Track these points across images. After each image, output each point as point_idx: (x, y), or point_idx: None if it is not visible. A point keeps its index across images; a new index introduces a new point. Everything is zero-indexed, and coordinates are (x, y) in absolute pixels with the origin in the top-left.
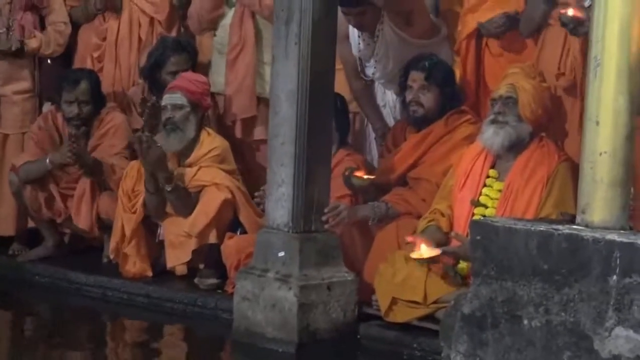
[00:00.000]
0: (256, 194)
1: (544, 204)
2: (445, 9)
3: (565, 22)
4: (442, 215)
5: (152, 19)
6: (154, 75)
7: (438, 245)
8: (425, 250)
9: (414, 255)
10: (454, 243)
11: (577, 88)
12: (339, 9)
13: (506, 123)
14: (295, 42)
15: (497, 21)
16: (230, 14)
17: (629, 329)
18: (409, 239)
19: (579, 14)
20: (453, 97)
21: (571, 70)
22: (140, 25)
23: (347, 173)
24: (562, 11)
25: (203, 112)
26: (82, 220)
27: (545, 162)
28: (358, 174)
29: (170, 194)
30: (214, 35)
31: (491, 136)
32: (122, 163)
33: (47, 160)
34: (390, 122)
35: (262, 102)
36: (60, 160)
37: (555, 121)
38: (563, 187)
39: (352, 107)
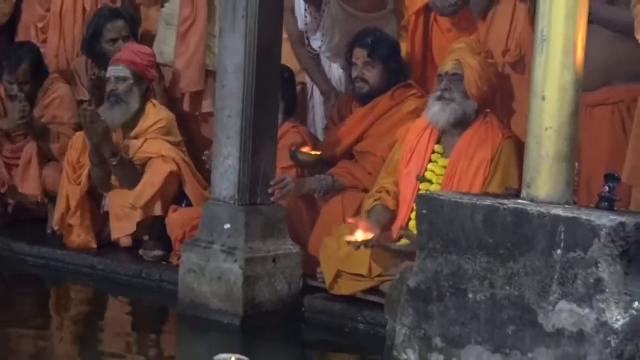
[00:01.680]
0: (205, 152)
1: (489, 183)
2: None
3: None
4: (388, 193)
5: None
6: (94, 47)
7: (383, 227)
8: (359, 235)
9: (349, 238)
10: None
11: (524, 64)
12: None
13: (452, 100)
14: (242, 15)
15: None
16: None
17: (572, 302)
18: (350, 220)
19: None
20: (398, 72)
21: (516, 46)
22: None
23: (293, 148)
24: None
25: (147, 84)
26: (29, 187)
27: (490, 139)
28: (304, 149)
29: (115, 167)
30: (162, 6)
31: (437, 112)
32: (68, 132)
33: None
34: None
35: (210, 75)
36: (10, 125)
37: (501, 98)
38: (507, 164)
39: (297, 78)
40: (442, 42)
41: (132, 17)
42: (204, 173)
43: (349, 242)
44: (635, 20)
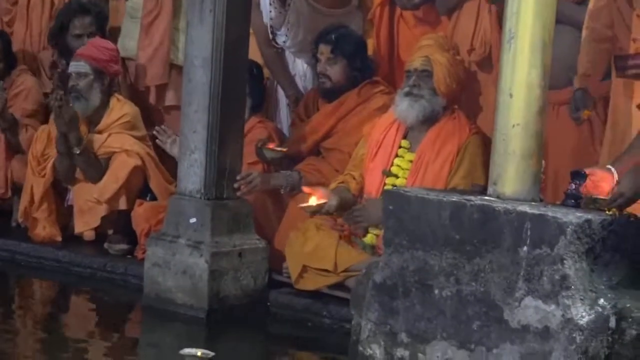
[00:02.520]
0: (156, 128)
1: (453, 175)
2: None
3: None
4: (354, 178)
5: None
6: (60, 40)
7: (345, 203)
8: (313, 200)
9: (303, 205)
10: None
11: (491, 62)
12: None
13: (421, 96)
14: (210, 9)
15: None
16: None
17: (538, 299)
18: (305, 189)
19: None
20: (363, 68)
21: (482, 44)
22: None
23: (259, 145)
24: None
25: (110, 79)
26: None
27: (456, 134)
28: (270, 145)
29: (79, 157)
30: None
31: (406, 109)
32: (34, 124)
33: None
34: (302, 91)
35: (175, 68)
36: None
37: (468, 95)
38: (473, 159)
39: (264, 73)
40: (408, 38)
41: (100, 13)
42: (169, 167)
43: (302, 208)
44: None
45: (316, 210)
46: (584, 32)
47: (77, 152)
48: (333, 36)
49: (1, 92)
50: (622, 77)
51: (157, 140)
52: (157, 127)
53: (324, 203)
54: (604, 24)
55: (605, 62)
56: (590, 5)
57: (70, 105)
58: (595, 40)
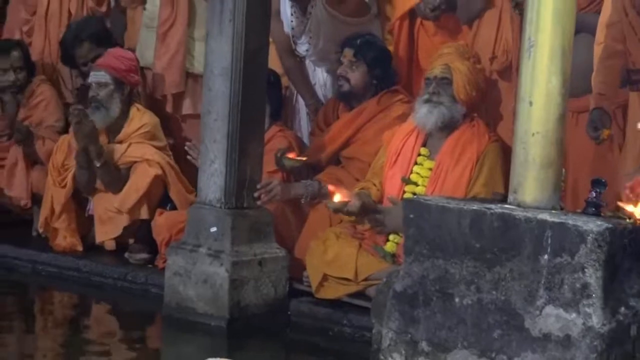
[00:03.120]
0: (187, 143)
1: (473, 184)
2: None
3: (518, 2)
4: (374, 185)
5: None
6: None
7: (368, 207)
8: (337, 197)
9: (328, 203)
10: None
11: (511, 71)
12: None
13: (441, 103)
14: (229, 19)
15: (433, 2)
16: None
17: (559, 307)
18: (330, 187)
19: None
20: (383, 78)
21: (503, 53)
22: (70, 0)
23: (279, 154)
24: None
25: (130, 88)
26: (16, 190)
27: (476, 142)
28: (290, 155)
29: (99, 169)
30: (144, 9)
31: (425, 115)
32: (53, 136)
33: None
34: (321, 100)
35: (190, 77)
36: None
37: (488, 103)
38: (492, 167)
39: (283, 81)
40: (428, 46)
41: (97, 36)
42: (189, 177)
43: (326, 205)
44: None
45: (339, 208)
46: (596, 49)
47: (98, 165)
48: (359, 41)
49: (11, 104)
50: (636, 91)
51: (187, 156)
52: (187, 143)
53: (348, 201)
54: (616, 38)
55: (618, 77)
56: (601, 20)
57: (90, 119)
58: (608, 57)
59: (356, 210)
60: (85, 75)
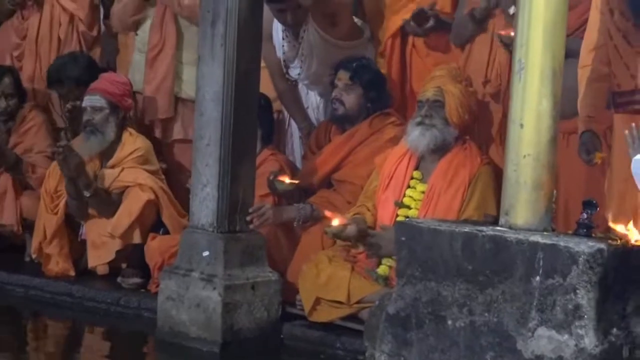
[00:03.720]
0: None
1: (466, 207)
2: (370, 10)
3: (506, 43)
4: (368, 210)
5: (72, 17)
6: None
7: (363, 233)
8: (335, 222)
9: (326, 228)
10: None
11: (501, 94)
12: (271, 9)
13: (433, 126)
14: (221, 44)
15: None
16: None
17: (551, 329)
18: (327, 213)
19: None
20: (378, 100)
21: (496, 76)
22: (60, 24)
23: (271, 177)
24: (503, 32)
25: (124, 113)
26: (6, 217)
27: (468, 165)
28: (282, 178)
29: (90, 199)
30: (136, 34)
31: (417, 137)
32: (43, 162)
33: None
34: (314, 123)
35: (180, 102)
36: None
37: (480, 126)
38: (485, 190)
39: (275, 105)
40: (420, 68)
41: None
42: (182, 201)
43: (326, 232)
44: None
45: (338, 232)
46: (580, 72)
47: (88, 195)
48: (354, 64)
49: (0, 132)
50: (622, 113)
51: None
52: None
53: (347, 225)
54: (602, 61)
55: (604, 99)
56: (584, 44)
57: (75, 153)
58: (595, 80)
59: (354, 235)
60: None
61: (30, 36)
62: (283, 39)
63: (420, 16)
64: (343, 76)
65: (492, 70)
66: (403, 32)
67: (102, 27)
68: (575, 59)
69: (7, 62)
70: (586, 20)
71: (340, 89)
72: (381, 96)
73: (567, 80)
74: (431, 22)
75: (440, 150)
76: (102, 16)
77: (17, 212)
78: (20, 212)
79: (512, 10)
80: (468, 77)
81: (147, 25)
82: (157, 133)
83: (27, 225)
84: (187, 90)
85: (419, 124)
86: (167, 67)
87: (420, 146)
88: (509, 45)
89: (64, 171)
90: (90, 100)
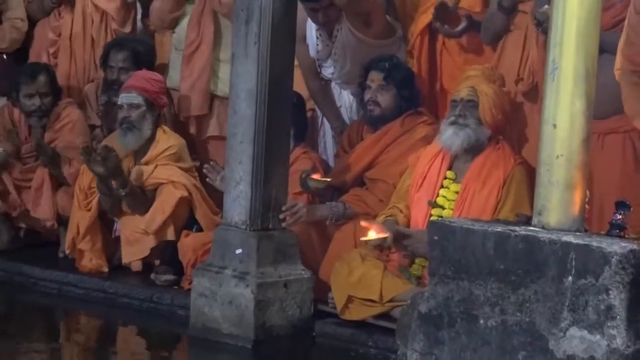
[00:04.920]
0: (205, 165)
1: (501, 208)
2: (401, 10)
3: (540, 20)
4: (401, 211)
5: (104, 15)
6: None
7: (397, 236)
8: (373, 234)
9: (364, 238)
10: None
11: (537, 93)
12: (304, 7)
13: (466, 125)
14: (254, 42)
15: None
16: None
17: (583, 329)
18: (363, 223)
19: None
20: (411, 99)
21: (529, 74)
22: (92, 22)
23: (303, 176)
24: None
25: (159, 110)
26: (42, 211)
27: (502, 165)
28: (314, 176)
29: (125, 197)
30: (173, 32)
31: (450, 137)
32: (79, 158)
33: (1, 149)
34: (347, 122)
35: (216, 99)
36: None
37: (513, 125)
38: (519, 191)
39: (308, 104)
40: (451, 67)
41: (138, 50)
42: (215, 198)
43: (365, 242)
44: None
45: (381, 244)
46: (617, 74)
47: (124, 194)
48: (387, 64)
49: (36, 128)
50: None
51: (207, 179)
52: (205, 165)
53: (386, 236)
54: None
55: None
56: (620, 46)
57: (114, 153)
58: (633, 83)
59: (392, 243)
60: (105, 90)
61: (65, 34)
62: (317, 38)
63: (442, 11)
64: (376, 77)
65: (525, 69)
66: (431, 31)
67: (140, 26)
68: (610, 55)
69: (44, 59)
70: (619, 22)
71: (375, 90)
72: (413, 94)
73: (603, 78)
74: (464, 23)
75: (473, 150)
76: (139, 15)
77: (53, 206)
78: (56, 207)
79: (545, 7)
80: (501, 76)
81: (184, 22)
82: (192, 129)
83: (62, 221)
84: (223, 87)
85: (453, 123)
86: (203, 64)
87: (453, 146)
88: (542, 23)
89: (98, 171)
90: (127, 97)
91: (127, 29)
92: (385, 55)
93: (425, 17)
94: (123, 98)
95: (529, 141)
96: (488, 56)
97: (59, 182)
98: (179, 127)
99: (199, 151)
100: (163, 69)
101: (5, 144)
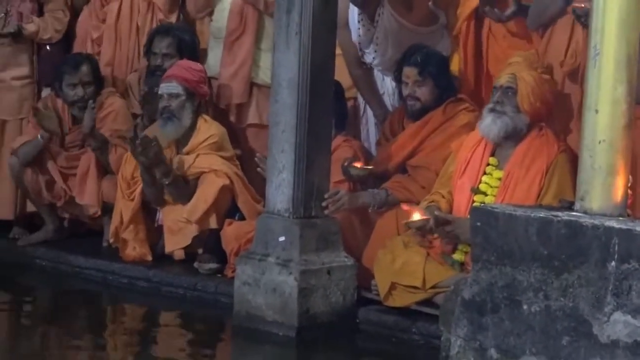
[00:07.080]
0: (257, 155)
1: (544, 195)
2: None
3: (579, 15)
4: (443, 197)
5: (150, 4)
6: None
7: (439, 222)
8: (416, 216)
9: (407, 221)
10: None
11: (579, 74)
12: None
13: (504, 113)
14: (296, 32)
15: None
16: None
17: (627, 314)
18: (404, 207)
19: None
20: (448, 87)
21: (572, 54)
22: (139, 11)
23: (345, 164)
24: (577, 5)
25: (199, 100)
26: (87, 198)
27: (545, 152)
28: (356, 164)
29: (168, 186)
30: (211, 20)
31: (489, 124)
32: (123, 145)
33: (39, 135)
34: (390, 109)
35: (255, 87)
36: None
37: (558, 113)
38: (562, 178)
39: (351, 92)
40: (497, 52)
41: (182, 37)
42: (257, 186)
43: (406, 224)
44: None
45: (422, 227)
46: None
47: (167, 183)
48: (419, 58)
49: (91, 111)
50: None
51: (258, 169)
52: (257, 155)
53: (428, 219)
54: None
55: None
56: None
57: (154, 143)
58: None
59: (434, 227)
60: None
61: (110, 22)
62: (359, 22)
63: None
64: (410, 73)
65: (570, 52)
66: (477, 16)
67: (181, 16)
68: None
69: (88, 46)
70: None
71: (412, 86)
72: (449, 81)
73: None
74: (513, 7)
75: (513, 137)
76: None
77: (99, 193)
78: (101, 195)
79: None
80: (549, 65)
81: (225, 12)
82: (232, 117)
83: (106, 209)
84: (263, 75)
85: (491, 110)
86: (245, 53)
87: (491, 133)
88: (581, 16)
89: (141, 160)
90: (167, 87)
91: (173, 19)
92: (414, 48)
93: (472, 2)
94: (163, 88)
95: (572, 128)
96: (534, 41)
97: (104, 170)
98: (218, 115)
99: (239, 139)
100: (202, 57)
101: (42, 132)
